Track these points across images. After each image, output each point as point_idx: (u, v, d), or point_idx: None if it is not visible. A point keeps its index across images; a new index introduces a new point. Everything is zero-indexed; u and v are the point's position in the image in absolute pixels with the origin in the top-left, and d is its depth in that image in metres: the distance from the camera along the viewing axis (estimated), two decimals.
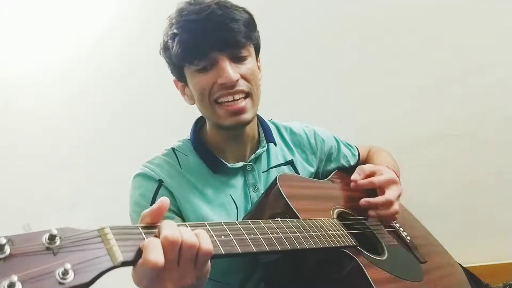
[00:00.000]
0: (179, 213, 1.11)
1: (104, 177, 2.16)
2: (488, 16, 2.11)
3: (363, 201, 1.16)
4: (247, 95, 1.09)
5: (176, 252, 0.63)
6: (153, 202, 1.08)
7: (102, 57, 2.24)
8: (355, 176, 1.19)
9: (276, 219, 0.93)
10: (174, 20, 1.07)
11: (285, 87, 2.15)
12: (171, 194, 1.11)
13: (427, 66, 2.18)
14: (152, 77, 2.16)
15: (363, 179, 1.19)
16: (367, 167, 1.22)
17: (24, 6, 2.21)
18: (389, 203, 1.15)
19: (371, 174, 1.20)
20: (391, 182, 1.19)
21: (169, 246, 0.62)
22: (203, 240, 0.66)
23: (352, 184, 1.19)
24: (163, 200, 0.67)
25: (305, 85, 2.23)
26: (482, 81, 2.14)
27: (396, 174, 1.26)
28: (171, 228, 0.64)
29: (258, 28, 1.17)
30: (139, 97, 2.26)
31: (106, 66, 2.25)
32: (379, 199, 1.16)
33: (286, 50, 2.17)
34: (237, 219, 1.13)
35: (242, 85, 1.07)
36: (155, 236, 0.64)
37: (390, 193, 1.16)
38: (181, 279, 0.64)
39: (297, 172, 1.28)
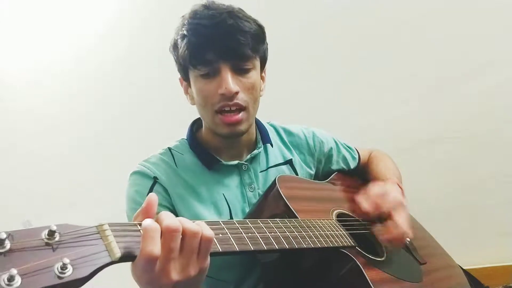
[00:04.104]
0: (173, 210, 1.11)
1: (104, 177, 2.17)
2: (488, 17, 2.11)
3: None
4: (243, 108, 1.10)
5: (179, 240, 0.63)
6: None
7: (102, 57, 2.24)
8: (363, 205, 1.13)
9: (275, 219, 0.94)
10: (186, 20, 1.08)
11: (285, 88, 2.15)
12: (165, 191, 1.12)
13: (427, 67, 2.19)
14: (152, 77, 2.17)
15: (371, 206, 1.13)
16: (373, 192, 1.16)
17: (24, 6, 2.21)
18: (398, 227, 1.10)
19: (378, 199, 1.14)
20: (398, 205, 1.14)
21: (172, 234, 0.62)
22: (205, 227, 0.67)
23: (359, 213, 1.15)
24: (151, 196, 0.67)
25: (305, 86, 2.24)
26: (483, 82, 2.15)
27: (400, 187, 1.26)
28: (171, 218, 0.65)
29: None
30: (139, 97, 2.26)
31: (106, 66, 2.25)
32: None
33: (286, 52, 2.17)
34: (230, 219, 1.13)
35: (240, 99, 1.08)
36: None
37: (398, 218, 1.11)
38: (184, 269, 0.64)
39: (296, 173, 1.28)
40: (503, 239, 2.19)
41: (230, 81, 1.05)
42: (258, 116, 1.28)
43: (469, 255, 1.58)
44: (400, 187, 1.26)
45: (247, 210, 1.16)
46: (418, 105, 2.21)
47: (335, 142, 1.42)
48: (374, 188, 1.17)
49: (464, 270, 1.37)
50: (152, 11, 2.15)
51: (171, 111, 1.99)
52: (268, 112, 1.33)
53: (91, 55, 2.24)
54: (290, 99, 2.19)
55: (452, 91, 2.18)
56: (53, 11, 2.22)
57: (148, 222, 0.62)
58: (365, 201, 1.13)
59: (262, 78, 1.20)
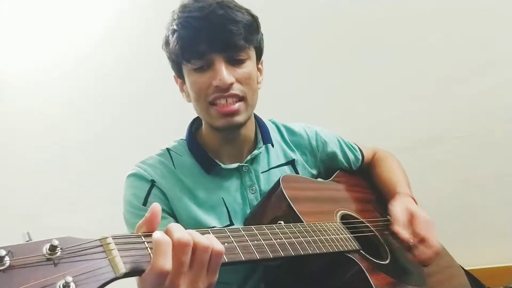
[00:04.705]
0: (172, 213, 1.10)
1: (104, 177, 2.15)
2: (488, 17, 2.09)
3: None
4: (241, 99, 1.07)
5: (189, 254, 0.62)
6: (145, 202, 1.07)
7: (102, 57, 2.23)
8: (403, 236, 1.09)
9: (279, 222, 0.93)
10: (176, 15, 1.06)
11: (286, 87, 2.14)
12: (163, 195, 1.10)
13: (427, 68, 2.17)
14: (152, 77, 2.16)
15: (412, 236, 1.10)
16: (403, 219, 1.12)
17: (24, 6, 2.19)
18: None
19: (412, 225, 1.12)
20: (429, 224, 1.12)
21: (183, 248, 0.61)
22: (215, 241, 0.66)
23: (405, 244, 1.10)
24: (154, 207, 0.65)
25: (306, 85, 2.22)
26: (483, 83, 2.13)
27: (413, 198, 1.25)
28: (181, 230, 0.63)
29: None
30: (138, 97, 2.25)
31: (106, 66, 2.23)
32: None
33: (287, 50, 2.15)
34: (229, 223, 1.12)
35: (236, 89, 1.05)
36: None
37: (432, 239, 1.09)
38: (193, 283, 0.63)
39: (297, 173, 1.27)
40: (503, 240, 2.18)
41: (224, 72, 1.02)
42: (257, 113, 1.27)
43: (468, 256, 1.58)
44: (412, 198, 1.25)
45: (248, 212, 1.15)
46: (418, 105, 2.19)
47: (339, 141, 1.40)
48: (402, 213, 1.13)
49: (466, 271, 1.36)
50: (152, 11, 2.13)
51: (171, 111, 1.97)
52: (267, 110, 1.31)
53: (91, 55, 2.23)
54: (290, 97, 2.18)
55: (452, 91, 2.17)
56: (53, 11, 2.21)
57: (159, 235, 0.60)
58: (404, 231, 1.09)
59: (259, 70, 1.18)
